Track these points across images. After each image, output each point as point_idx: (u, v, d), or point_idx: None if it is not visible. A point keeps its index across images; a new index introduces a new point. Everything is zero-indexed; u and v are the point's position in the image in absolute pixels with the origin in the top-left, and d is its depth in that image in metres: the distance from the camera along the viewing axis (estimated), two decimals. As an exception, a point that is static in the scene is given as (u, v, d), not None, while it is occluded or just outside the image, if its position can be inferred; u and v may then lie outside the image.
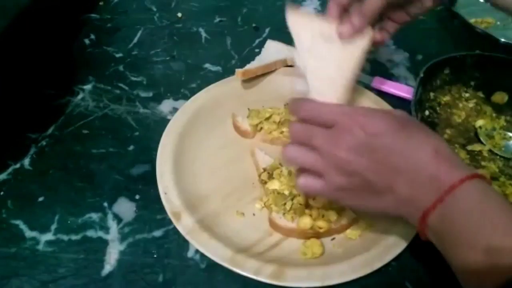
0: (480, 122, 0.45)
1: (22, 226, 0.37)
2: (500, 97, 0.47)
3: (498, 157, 0.42)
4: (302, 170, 0.31)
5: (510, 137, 0.44)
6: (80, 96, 0.49)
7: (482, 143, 0.43)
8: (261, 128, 0.43)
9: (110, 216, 0.38)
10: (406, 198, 0.27)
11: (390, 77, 0.52)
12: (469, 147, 0.43)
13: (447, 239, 0.26)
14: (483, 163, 0.41)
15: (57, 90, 0.49)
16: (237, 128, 0.44)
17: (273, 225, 0.36)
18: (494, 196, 0.25)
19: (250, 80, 0.47)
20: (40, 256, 0.35)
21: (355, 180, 0.28)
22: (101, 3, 0.63)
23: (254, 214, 0.37)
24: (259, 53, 0.55)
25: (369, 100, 0.46)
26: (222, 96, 0.46)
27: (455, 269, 0.26)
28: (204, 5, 0.63)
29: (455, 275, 0.26)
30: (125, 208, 0.38)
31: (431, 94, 0.46)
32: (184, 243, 0.35)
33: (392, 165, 0.27)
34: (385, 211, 0.29)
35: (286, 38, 0.57)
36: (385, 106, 0.46)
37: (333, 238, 0.35)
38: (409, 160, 0.26)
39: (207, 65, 0.53)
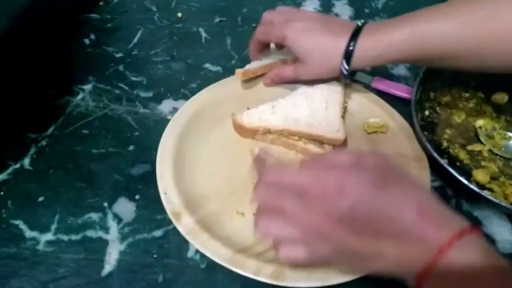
0: (480, 122, 0.45)
1: (22, 226, 0.37)
2: (500, 97, 0.47)
3: (498, 157, 0.42)
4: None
5: (510, 137, 0.44)
6: (80, 96, 0.49)
7: (482, 143, 0.43)
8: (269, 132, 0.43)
9: (110, 216, 0.38)
10: (396, 263, 0.26)
11: (390, 77, 0.52)
12: (469, 147, 0.43)
13: None
14: (483, 163, 0.41)
15: (57, 90, 0.49)
16: (237, 128, 0.44)
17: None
18: (486, 254, 0.24)
19: (250, 80, 0.47)
20: (40, 256, 0.35)
21: (340, 249, 0.26)
22: (101, 3, 0.63)
23: (254, 214, 0.37)
24: (259, 53, 0.55)
25: (369, 100, 0.46)
26: (222, 96, 0.46)
27: None
28: (204, 5, 0.63)
29: None
30: (125, 208, 0.38)
31: (431, 94, 0.46)
32: (184, 243, 0.35)
33: (376, 231, 0.25)
34: (378, 273, 0.28)
35: (286, 38, 0.57)
36: (385, 106, 0.46)
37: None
38: (394, 224, 0.25)
39: (207, 65, 0.53)
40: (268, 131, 0.42)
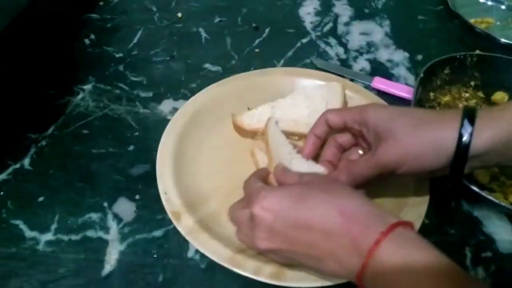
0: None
1: (22, 226, 0.37)
2: (500, 97, 0.46)
3: (498, 157, 0.42)
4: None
5: (510, 137, 0.44)
6: (80, 96, 0.49)
7: (482, 143, 0.43)
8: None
9: (110, 216, 0.38)
10: (337, 268, 0.26)
11: (390, 77, 0.52)
12: (469, 147, 0.42)
13: None
14: (483, 163, 0.41)
15: (57, 90, 0.49)
16: (237, 128, 0.44)
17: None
18: (415, 248, 0.24)
19: (250, 80, 0.47)
20: (40, 256, 0.35)
21: (281, 255, 0.29)
22: (101, 3, 0.63)
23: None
24: (259, 52, 0.55)
25: (369, 100, 0.46)
26: (222, 96, 0.46)
27: None
28: (204, 5, 0.63)
29: None
30: (125, 208, 0.38)
31: (431, 94, 0.46)
32: (184, 243, 0.35)
33: (307, 241, 0.26)
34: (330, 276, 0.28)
35: (286, 38, 0.57)
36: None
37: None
38: (320, 232, 0.26)
39: (207, 65, 0.53)
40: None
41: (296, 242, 0.27)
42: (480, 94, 0.47)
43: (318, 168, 0.37)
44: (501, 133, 0.27)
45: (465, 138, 0.27)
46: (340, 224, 0.25)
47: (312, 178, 0.31)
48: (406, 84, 0.51)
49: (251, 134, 0.43)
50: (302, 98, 0.44)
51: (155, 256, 0.35)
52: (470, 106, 0.30)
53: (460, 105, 0.47)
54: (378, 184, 0.39)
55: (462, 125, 0.28)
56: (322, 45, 0.57)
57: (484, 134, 0.27)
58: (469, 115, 0.28)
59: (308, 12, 0.62)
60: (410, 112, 0.31)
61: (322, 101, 0.43)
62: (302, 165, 0.37)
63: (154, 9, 0.62)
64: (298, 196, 0.27)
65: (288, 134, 0.42)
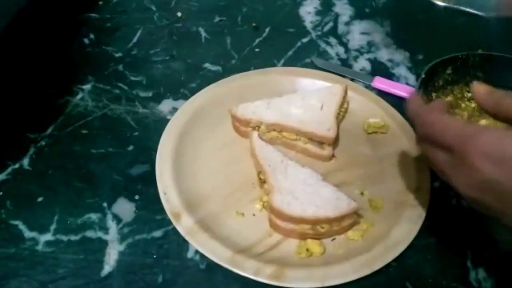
0: (482, 122, 0.44)
1: (21, 226, 0.37)
2: (502, 96, 0.46)
3: (499, 157, 0.42)
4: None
5: (512, 137, 0.44)
6: (79, 96, 0.49)
7: (483, 143, 0.43)
8: (259, 128, 0.43)
9: (109, 217, 0.38)
10: None
11: (391, 77, 0.52)
12: (471, 147, 0.42)
13: None
14: (484, 163, 0.41)
15: (56, 90, 0.49)
16: (236, 128, 0.44)
17: (273, 225, 0.36)
18: None
19: (250, 80, 0.47)
20: (39, 256, 0.35)
21: (485, 207, 0.26)
22: (100, 3, 0.62)
23: (254, 215, 0.37)
24: (259, 52, 0.55)
25: (370, 100, 0.46)
26: (222, 96, 0.46)
27: None
28: (204, 4, 0.63)
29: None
30: (125, 208, 0.38)
31: (433, 95, 0.46)
32: (184, 244, 0.35)
33: None
34: None
35: (286, 37, 0.57)
36: (386, 106, 0.45)
37: (334, 239, 0.35)
38: None
39: (207, 65, 0.53)
40: (260, 124, 0.42)
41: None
42: (482, 93, 0.47)
43: (312, 175, 0.37)
44: None
45: None
46: None
47: None
48: (407, 84, 0.51)
49: (249, 133, 0.43)
50: (298, 98, 0.43)
51: (154, 256, 0.35)
52: None
53: (463, 105, 0.46)
54: (378, 184, 0.39)
55: None
56: (323, 45, 0.56)
57: None
58: None
59: (308, 12, 0.62)
60: None
61: (318, 102, 0.43)
62: (299, 171, 0.37)
63: (154, 8, 0.62)
64: None
65: (280, 129, 0.41)
